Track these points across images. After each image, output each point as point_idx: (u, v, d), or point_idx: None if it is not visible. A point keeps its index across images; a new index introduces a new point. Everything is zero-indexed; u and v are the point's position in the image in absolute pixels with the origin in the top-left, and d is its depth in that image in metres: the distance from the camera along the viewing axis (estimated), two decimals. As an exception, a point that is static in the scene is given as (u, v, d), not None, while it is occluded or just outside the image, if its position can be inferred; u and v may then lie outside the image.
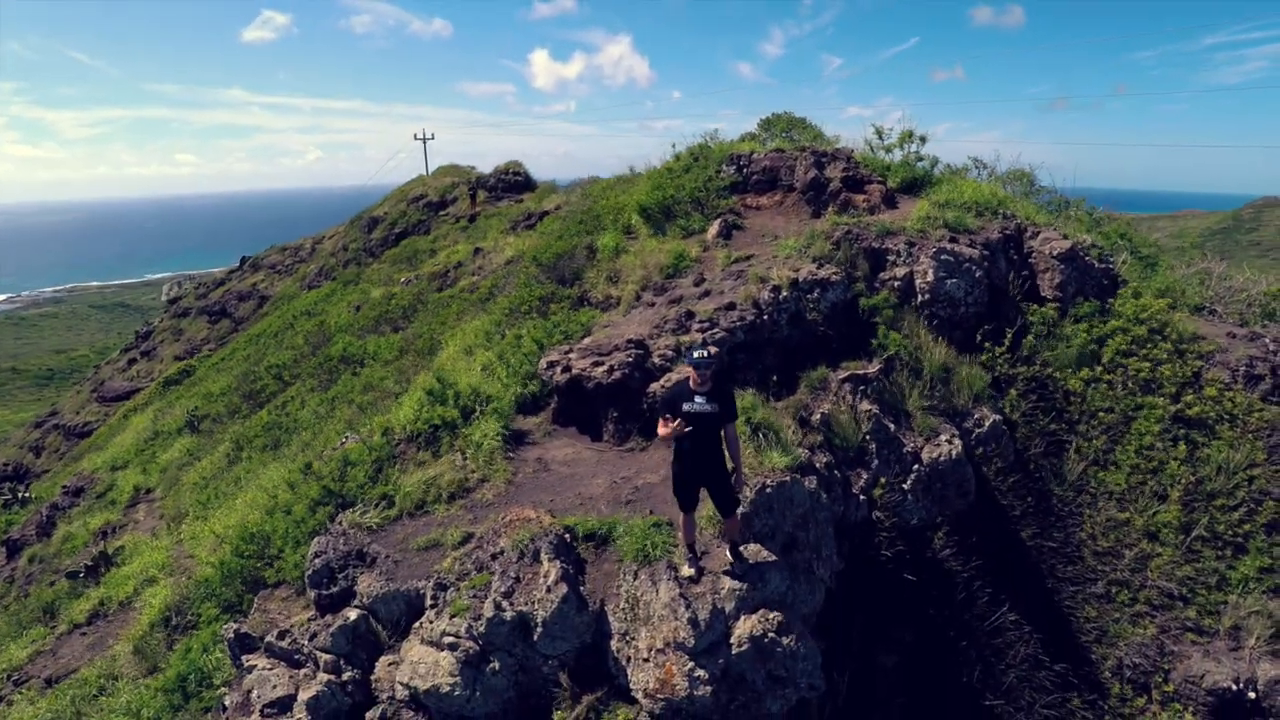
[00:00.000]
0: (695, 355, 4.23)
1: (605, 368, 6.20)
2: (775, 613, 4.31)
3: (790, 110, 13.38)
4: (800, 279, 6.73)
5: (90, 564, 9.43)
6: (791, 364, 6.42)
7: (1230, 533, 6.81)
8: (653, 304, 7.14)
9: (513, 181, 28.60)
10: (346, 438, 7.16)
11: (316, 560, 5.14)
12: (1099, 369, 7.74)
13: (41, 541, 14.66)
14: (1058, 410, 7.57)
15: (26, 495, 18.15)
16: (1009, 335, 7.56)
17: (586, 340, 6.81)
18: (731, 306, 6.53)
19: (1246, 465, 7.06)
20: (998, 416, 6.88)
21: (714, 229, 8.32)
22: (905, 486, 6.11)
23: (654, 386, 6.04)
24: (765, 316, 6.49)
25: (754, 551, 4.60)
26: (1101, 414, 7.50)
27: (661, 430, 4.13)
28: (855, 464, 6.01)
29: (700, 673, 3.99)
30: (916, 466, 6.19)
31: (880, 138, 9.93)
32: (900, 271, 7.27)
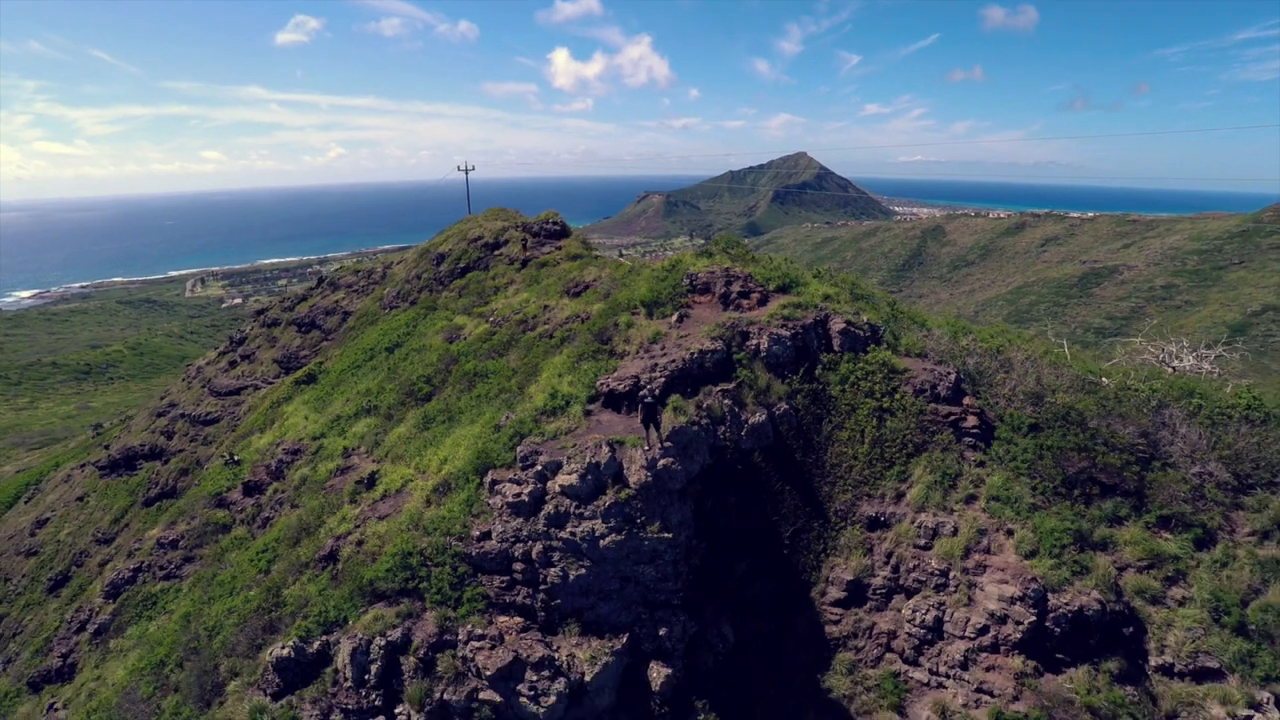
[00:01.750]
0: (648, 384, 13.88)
1: (623, 385, 15.83)
2: (678, 464, 13.93)
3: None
4: (705, 348, 16.37)
5: (362, 479, 19.16)
6: (698, 385, 16.04)
7: (894, 457, 16.34)
8: (642, 357, 16.79)
9: (551, 230, 38.38)
10: (507, 416, 16.78)
11: (521, 451, 14.81)
12: (847, 384, 17.28)
13: (278, 481, 24.55)
14: (823, 403, 17.12)
15: (237, 459, 28.06)
16: (803, 369, 17.11)
17: (615, 372, 16.47)
18: (674, 360, 16.18)
19: (904, 429, 16.56)
20: (788, 405, 16.47)
21: (674, 317, 17.95)
22: (742, 434, 15.70)
23: (642, 392, 15.67)
24: (689, 364, 16.10)
25: (671, 448, 14.23)
26: (843, 405, 17.05)
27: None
28: (719, 424, 15.63)
29: (649, 471, 13.61)
30: (747, 424, 15.78)
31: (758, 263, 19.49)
32: (752, 342, 16.88)
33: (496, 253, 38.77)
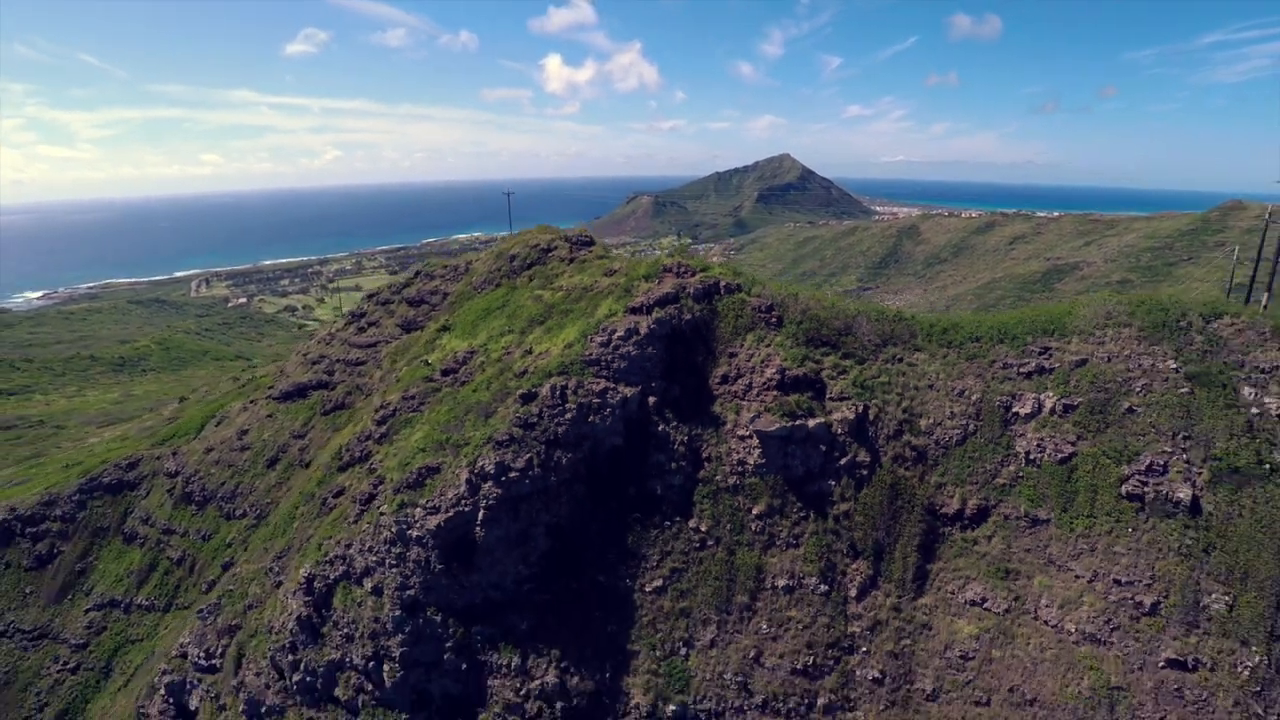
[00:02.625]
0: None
1: (638, 304, 41.63)
2: (660, 330, 39.71)
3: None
4: (669, 291, 42.38)
5: (527, 351, 44.46)
6: (666, 305, 41.94)
7: (743, 332, 42.31)
8: (645, 296, 42.68)
9: (584, 240, 64.08)
10: (589, 321, 42.34)
11: (601, 326, 40.49)
12: (726, 305, 43.11)
13: (465, 366, 49.91)
14: (716, 313, 42.92)
15: (429, 362, 53.15)
16: (707, 300, 42.92)
17: (635, 300, 42.31)
18: (658, 295, 42.13)
19: (747, 324, 42.40)
20: (701, 313, 42.44)
21: (656, 281, 43.86)
22: (684, 323, 41.50)
23: (649, 307, 41.47)
24: (664, 296, 41.95)
25: (657, 327, 40.06)
26: (723, 312, 42.84)
27: None
28: (674, 319, 41.60)
29: (652, 325, 39.41)
30: (685, 319, 41.62)
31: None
32: (687, 289, 42.79)
33: (549, 254, 64.43)
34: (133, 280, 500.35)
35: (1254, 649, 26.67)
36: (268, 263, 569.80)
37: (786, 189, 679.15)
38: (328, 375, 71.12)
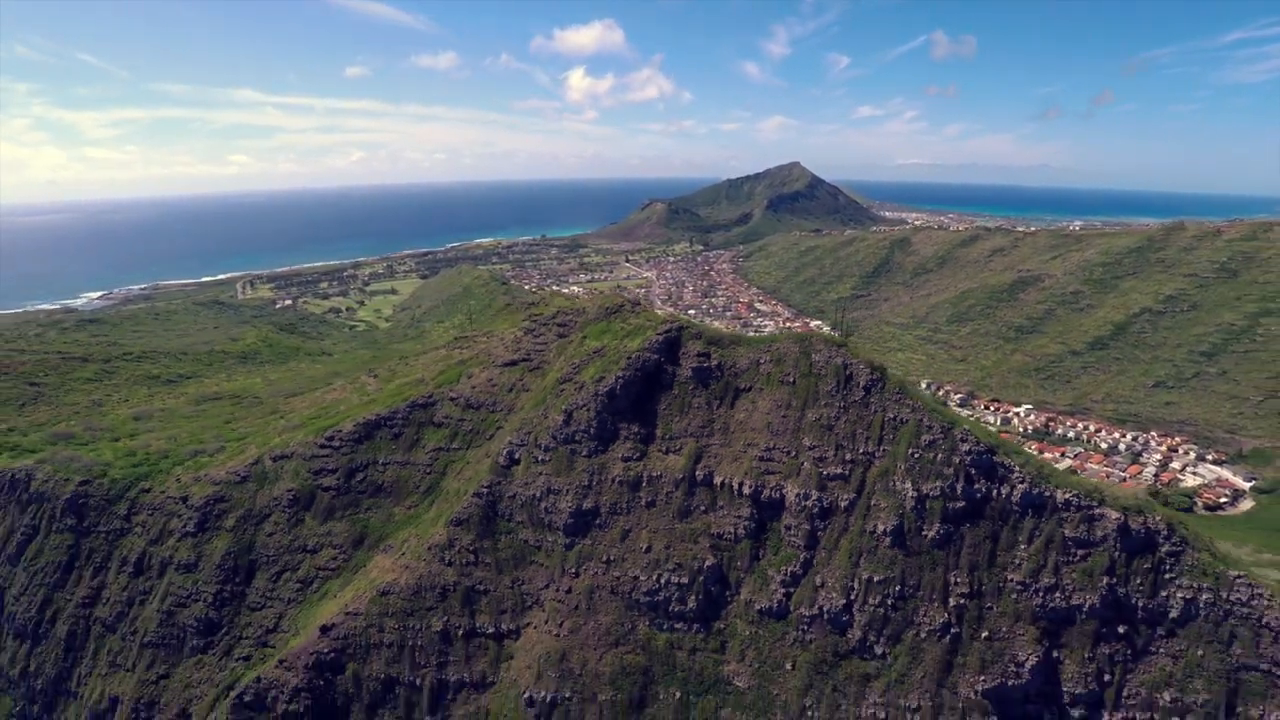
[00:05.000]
0: None
1: None
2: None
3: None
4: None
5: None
6: None
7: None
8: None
9: (635, 302, 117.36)
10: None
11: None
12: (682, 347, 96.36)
13: None
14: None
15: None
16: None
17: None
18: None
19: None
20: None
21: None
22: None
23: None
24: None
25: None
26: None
27: None
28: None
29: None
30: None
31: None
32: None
33: (623, 307, 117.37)
34: (181, 282, 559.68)
35: None
36: (303, 265, 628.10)
37: (795, 196, 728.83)
38: (525, 356, 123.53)
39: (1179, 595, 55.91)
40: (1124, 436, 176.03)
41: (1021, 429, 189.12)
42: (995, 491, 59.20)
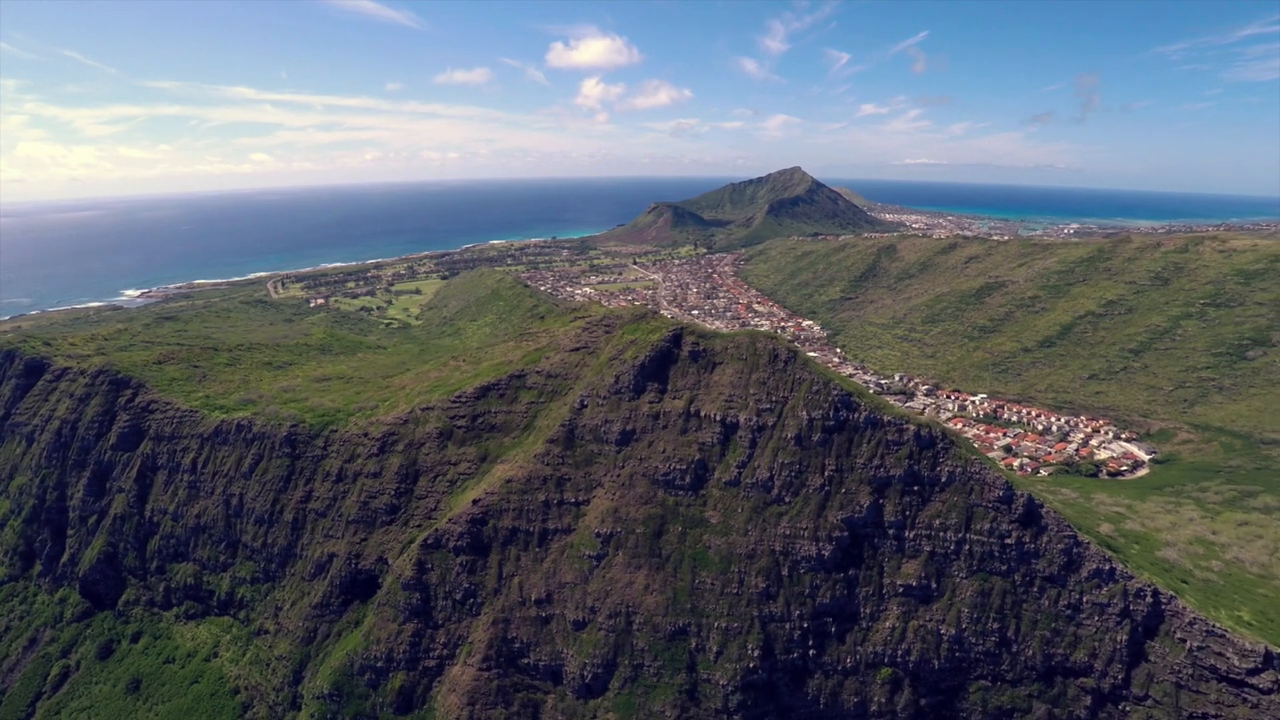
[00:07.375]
0: None
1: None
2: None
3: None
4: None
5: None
6: None
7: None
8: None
9: (654, 313, 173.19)
10: None
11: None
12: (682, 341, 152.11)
13: None
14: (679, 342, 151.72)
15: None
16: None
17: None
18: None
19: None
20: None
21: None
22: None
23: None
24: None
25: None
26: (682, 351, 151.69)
27: None
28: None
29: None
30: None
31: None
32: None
33: (644, 317, 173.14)
34: (214, 281, 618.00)
35: None
36: (327, 266, 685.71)
37: (796, 201, 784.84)
38: (584, 345, 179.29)
39: (946, 468, 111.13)
40: (1058, 420, 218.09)
41: (975, 414, 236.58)
42: (850, 416, 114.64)
